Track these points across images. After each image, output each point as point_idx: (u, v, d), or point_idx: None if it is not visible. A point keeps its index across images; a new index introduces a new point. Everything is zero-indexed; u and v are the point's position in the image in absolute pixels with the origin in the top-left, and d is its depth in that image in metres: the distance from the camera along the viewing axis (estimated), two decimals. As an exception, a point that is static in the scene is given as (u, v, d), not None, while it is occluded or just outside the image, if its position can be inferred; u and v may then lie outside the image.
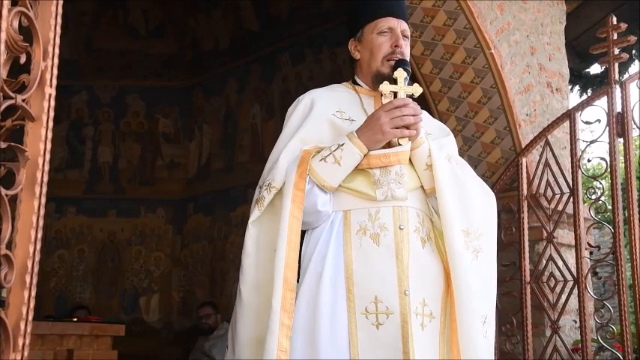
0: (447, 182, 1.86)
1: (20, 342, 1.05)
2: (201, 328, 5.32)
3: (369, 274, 1.77)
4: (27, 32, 1.11)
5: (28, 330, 1.06)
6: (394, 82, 1.86)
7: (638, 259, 3.19)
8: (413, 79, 1.95)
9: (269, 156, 1.94)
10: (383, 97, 1.86)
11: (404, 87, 1.85)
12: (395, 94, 1.85)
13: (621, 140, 3.34)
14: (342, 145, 1.80)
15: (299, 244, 1.78)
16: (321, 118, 1.92)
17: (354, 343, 1.72)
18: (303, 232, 1.86)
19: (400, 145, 1.83)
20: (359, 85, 2.03)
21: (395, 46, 1.94)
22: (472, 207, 1.89)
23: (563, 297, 3.45)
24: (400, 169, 1.83)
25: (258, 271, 1.82)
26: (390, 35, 1.95)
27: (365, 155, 1.81)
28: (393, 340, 1.73)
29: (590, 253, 3.89)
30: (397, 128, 1.79)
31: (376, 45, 1.94)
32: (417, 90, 1.86)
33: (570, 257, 3.59)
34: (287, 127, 1.95)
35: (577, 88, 7.06)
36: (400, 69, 1.86)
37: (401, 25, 1.97)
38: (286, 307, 1.71)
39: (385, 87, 1.85)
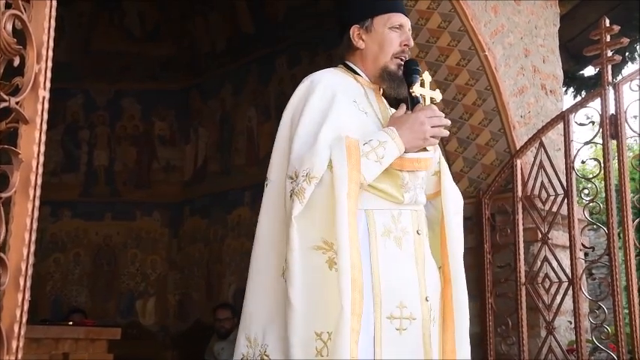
0: (453, 189, 1.95)
1: (14, 345, 1.05)
2: (218, 332, 5.28)
3: (395, 279, 1.76)
4: (21, 35, 1.12)
5: (22, 332, 1.07)
6: (405, 83, 1.88)
7: (632, 260, 3.20)
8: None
9: (280, 145, 1.81)
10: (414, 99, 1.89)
11: (429, 91, 1.89)
12: (409, 98, 1.88)
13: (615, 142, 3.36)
14: (385, 143, 1.76)
15: (359, 241, 1.71)
16: (347, 107, 1.85)
17: (379, 346, 1.71)
18: None
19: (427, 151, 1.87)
20: (357, 73, 1.97)
21: (405, 45, 1.93)
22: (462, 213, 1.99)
23: (558, 298, 3.46)
24: (424, 176, 1.89)
25: (305, 267, 1.68)
26: (401, 33, 1.93)
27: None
28: (415, 346, 1.75)
29: (585, 254, 3.90)
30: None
31: (387, 40, 1.91)
32: (438, 96, 1.92)
33: (565, 258, 3.59)
34: (310, 110, 1.81)
35: (571, 90, 7.08)
36: (426, 72, 1.90)
37: (408, 24, 1.97)
38: (356, 311, 1.63)
39: (419, 89, 1.88)
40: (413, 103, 1.87)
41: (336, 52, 2.05)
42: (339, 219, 1.65)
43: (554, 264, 3.52)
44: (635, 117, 3.32)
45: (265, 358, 1.71)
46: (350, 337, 1.59)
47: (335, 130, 1.76)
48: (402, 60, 1.92)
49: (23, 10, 1.12)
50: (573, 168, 3.49)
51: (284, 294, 1.69)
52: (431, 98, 1.91)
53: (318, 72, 1.96)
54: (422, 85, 1.89)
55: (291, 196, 1.68)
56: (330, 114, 1.79)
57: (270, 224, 1.81)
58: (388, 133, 1.79)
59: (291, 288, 1.66)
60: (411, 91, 1.86)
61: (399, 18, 1.94)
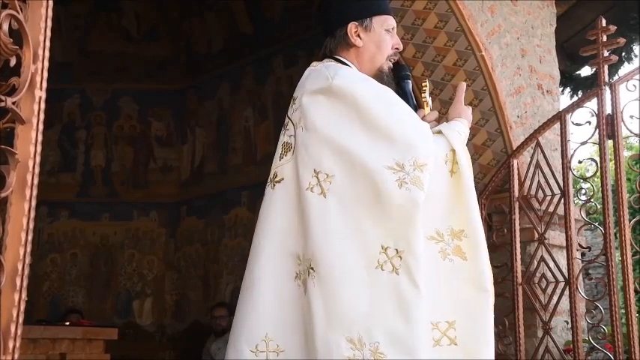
0: None
1: (11, 344, 1.05)
2: (214, 330, 5.31)
3: None
4: (17, 35, 1.12)
5: (19, 332, 1.07)
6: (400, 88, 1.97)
7: (628, 260, 3.21)
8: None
9: (336, 139, 1.76)
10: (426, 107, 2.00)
11: (428, 97, 2.01)
12: (409, 101, 1.95)
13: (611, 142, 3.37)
14: (466, 138, 1.92)
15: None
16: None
17: None
18: None
19: None
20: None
21: (396, 48, 1.99)
22: None
23: (555, 298, 3.46)
24: None
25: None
26: (392, 35, 1.99)
27: None
28: None
29: (582, 254, 3.91)
30: None
31: (383, 41, 1.96)
32: (431, 103, 2.05)
33: (562, 258, 3.60)
34: (378, 103, 1.79)
35: (568, 90, 7.10)
36: (427, 79, 2.07)
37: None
38: None
39: (429, 99, 2.02)
40: (412, 106, 1.93)
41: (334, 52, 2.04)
42: (473, 213, 1.79)
43: (551, 264, 3.53)
44: (631, 117, 3.33)
45: (380, 356, 1.58)
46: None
47: (417, 121, 1.83)
48: (391, 62, 1.98)
49: (20, 11, 1.12)
50: (570, 168, 3.49)
51: (386, 286, 1.65)
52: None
53: (336, 65, 1.90)
54: (424, 91, 1.99)
55: (400, 185, 1.68)
56: (399, 103, 1.84)
57: (347, 220, 1.71)
58: (466, 127, 1.93)
59: (417, 276, 1.65)
60: (423, 96, 1.97)
61: (393, 21, 2.00)
